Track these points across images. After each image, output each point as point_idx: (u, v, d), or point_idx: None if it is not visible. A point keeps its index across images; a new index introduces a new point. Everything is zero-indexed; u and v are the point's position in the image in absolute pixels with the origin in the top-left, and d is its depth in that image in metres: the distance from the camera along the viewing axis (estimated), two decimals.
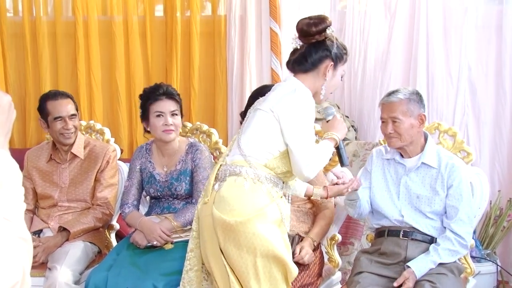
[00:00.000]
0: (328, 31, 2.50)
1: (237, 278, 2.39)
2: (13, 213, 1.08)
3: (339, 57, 2.53)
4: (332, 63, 2.51)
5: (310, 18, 2.53)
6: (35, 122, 4.85)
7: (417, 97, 2.84)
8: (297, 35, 2.55)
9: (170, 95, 3.06)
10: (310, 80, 2.52)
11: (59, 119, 3.20)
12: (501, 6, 4.26)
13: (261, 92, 2.88)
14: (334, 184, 2.73)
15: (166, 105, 3.03)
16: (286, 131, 2.40)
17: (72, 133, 3.23)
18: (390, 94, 2.87)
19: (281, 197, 2.47)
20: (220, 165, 2.51)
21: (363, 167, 3.10)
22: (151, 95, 3.06)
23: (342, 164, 2.71)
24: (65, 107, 3.22)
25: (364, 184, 2.94)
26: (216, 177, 2.49)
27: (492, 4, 4.38)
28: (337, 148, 2.63)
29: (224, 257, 2.39)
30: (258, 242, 2.33)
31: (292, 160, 2.41)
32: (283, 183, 2.51)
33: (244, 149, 2.45)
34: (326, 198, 2.75)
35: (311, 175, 2.42)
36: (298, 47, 2.54)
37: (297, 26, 2.54)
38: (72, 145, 3.28)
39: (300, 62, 2.52)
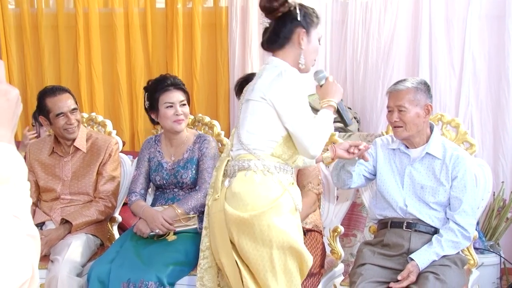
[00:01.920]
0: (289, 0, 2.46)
1: (251, 273, 2.39)
2: (22, 210, 1.06)
3: (310, 22, 2.49)
4: (304, 29, 2.46)
5: None
6: None
7: (425, 87, 2.83)
8: (263, 14, 2.52)
9: (178, 85, 3.11)
10: (289, 54, 2.48)
11: (61, 115, 3.19)
12: None
13: (248, 79, 2.91)
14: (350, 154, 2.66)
15: (175, 96, 3.07)
16: (283, 115, 2.38)
17: (75, 127, 3.22)
18: (397, 82, 2.86)
19: (292, 183, 2.46)
20: (228, 161, 2.50)
21: None
22: (159, 86, 3.08)
23: (346, 125, 2.68)
24: (65, 102, 3.20)
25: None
26: (224, 173, 2.48)
27: None
28: (337, 111, 2.59)
29: (236, 252, 2.39)
30: (273, 234, 2.32)
31: (296, 142, 2.40)
32: (292, 168, 2.50)
33: (246, 143, 2.43)
34: (333, 159, 2.68)
35: (317, 153, 2.41)
36: (268, 25, 2.52)
37: (259, 4, 2.51)
38: (75, 138, 3.27)
39: (273, 40, 2.50)
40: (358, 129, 4.44)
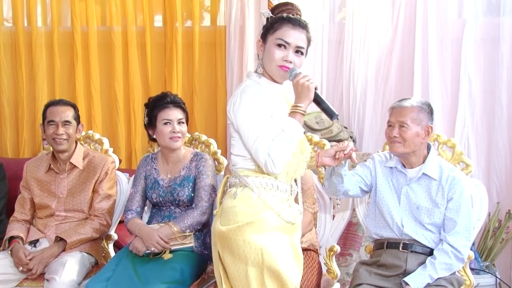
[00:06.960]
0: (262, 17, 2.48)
1: (231, 286, 2.38)
2: None
3: (267, 29, 2.44)
4: (260, 40, 2.47)
5: None
6: (29, 132, 4.89)
7: (428, 108, 2.87)
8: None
9: (177, 103, 3.13)
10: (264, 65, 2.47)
11: (52, 123, 3.23)
12: (498, 18, 4.28)
13: None
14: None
15: (173, 113, 3.09)
16: (240, 134, 2.37)
17: (64, 139, 3.24)
18: (402, 100, 2.90)
19: (287, 200, 2.42)
20: (227, 177, 2.52)
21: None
22: (158, 103, 3.11)
23: (331, 117, 2.44)
24: (61, 113, 3.24)
25: (359, 170, 2.95)
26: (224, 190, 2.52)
27: (490, 16, 4.39)
28: (318, 103, 2.43)
29: (222, 267, 2.40)
30: (249, 250, 2.30)
31: (254, 158, 2.37)
32: (289, 185, 2.44)
33: (232, 161, 2.47)
34: (318, 167, 2.60)
35: (275, 170, 2.33)
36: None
37: None
38: (71, 155, 3.29)
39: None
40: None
